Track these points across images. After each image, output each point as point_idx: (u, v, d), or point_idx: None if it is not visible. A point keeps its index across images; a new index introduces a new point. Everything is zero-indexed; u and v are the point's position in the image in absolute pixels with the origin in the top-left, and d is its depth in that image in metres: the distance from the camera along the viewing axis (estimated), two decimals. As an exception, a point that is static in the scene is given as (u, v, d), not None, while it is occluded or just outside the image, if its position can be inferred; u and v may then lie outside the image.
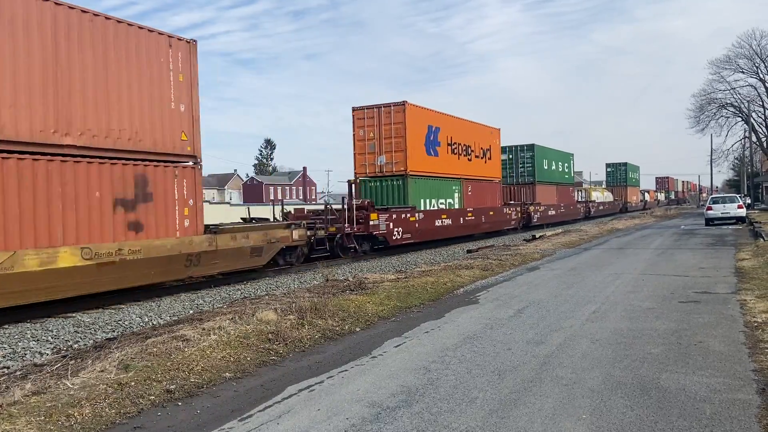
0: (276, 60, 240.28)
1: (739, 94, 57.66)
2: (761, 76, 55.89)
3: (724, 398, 4.94)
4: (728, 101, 58.91)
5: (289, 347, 7.10)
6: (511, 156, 38.60)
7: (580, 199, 50.80)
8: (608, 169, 71.37)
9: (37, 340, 8.88)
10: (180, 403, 5.28)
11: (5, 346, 8.51)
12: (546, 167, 40.41)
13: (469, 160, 28.51)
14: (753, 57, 54.88)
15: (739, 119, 58.59)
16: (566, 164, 45.47)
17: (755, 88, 57.13)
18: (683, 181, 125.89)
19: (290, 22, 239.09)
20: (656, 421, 4.49)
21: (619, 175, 69.89)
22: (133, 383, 5.55)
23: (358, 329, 8.17)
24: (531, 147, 38.72)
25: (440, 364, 6.26)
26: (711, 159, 65.25)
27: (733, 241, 20.91)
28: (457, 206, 27.10)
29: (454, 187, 26.98)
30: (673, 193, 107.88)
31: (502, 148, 37.98)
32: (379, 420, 4.72)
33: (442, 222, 25.17)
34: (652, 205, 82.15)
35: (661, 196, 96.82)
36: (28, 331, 9.48)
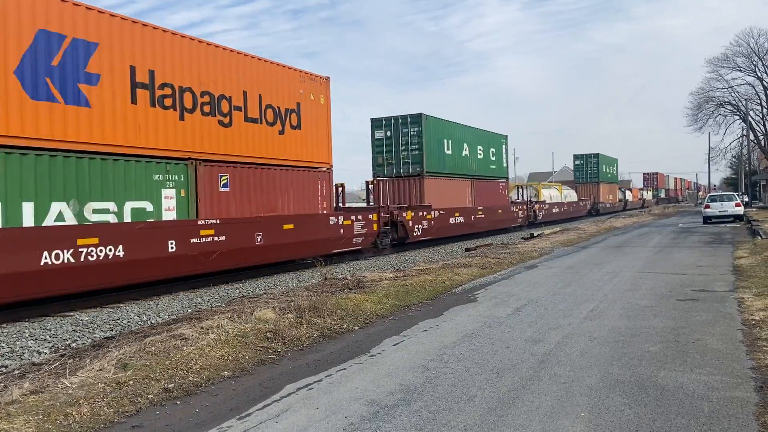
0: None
1: (737, 92, 57.87)
2: (759, 74, 56.07)
3: (722, 396, 4.95)
4: (726, 99, 59.03)
5: (287, 346, 7.10)
6: (389, 133, 25.44)
7: (519, 200, 38.74)
8: (576, 162, 58.01)
9: (35, 339, 8.87)
10: (178, 402, 5.28)
11: (3, 345, 8.49)
12: (449, 151, 27.07)
13: (226, 124, 14.80)
14: (751, 55, 55.01)
15: (737, 117, 58.67)
16: (493, 149, 31.98)
17: (753, 87, 57.30)
18: (675, 178, 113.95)
19: (289, 21, 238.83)
20: (654, 419, 4.50)
21: (589, 170, 56.70)
22: (131, 382, 5.55)
23: (356, 328, 8.17)
24: (417, 118, 25.01)
25: (439, 362, 6.27)
26: (709, 157, 65.43)
27: (731, 239, 20.94)
28: (171, 217, 13.32)
29: (160, 177, 13.17)
30: (663, 191, 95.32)
31: (375, 120, 25.82)
32: (377, 418, 4.72)
33: (72, 260, 10.62)
34: (635, 206, 71.12)
35: (648, 195, 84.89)
36: (26, 330, 9.47)
